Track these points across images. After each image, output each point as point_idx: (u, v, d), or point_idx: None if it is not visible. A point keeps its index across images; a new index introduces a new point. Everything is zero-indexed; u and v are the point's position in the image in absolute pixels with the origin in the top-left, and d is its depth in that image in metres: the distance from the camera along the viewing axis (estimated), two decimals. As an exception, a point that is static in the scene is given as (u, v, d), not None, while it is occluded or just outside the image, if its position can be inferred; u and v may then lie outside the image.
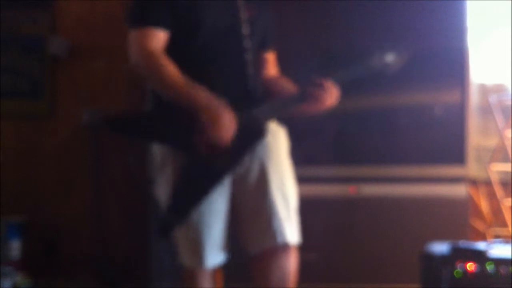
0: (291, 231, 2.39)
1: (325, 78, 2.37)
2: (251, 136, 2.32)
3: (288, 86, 2.49)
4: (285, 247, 2.39)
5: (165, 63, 2.26)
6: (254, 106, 2.33)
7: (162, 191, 2.39)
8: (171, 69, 2.25)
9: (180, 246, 2.41)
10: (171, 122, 2.31)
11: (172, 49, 2.33)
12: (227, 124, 2.20)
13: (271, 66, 2.58)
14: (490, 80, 3.91)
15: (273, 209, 2.37)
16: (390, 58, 2.48)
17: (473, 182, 3.72)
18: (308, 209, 2.57)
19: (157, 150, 2.39)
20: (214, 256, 2.39)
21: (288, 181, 2.44)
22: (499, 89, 3.87)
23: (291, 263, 2.42)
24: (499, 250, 2.86)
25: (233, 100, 2.28)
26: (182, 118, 2.27)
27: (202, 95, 2.22)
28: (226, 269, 2.51)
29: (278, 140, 2.46)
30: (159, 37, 2.30)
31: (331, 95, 2.37)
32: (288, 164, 2.47)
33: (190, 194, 2.31)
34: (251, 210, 2.39)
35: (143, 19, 2.31)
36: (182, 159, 2.31)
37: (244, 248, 2.42)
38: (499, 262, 2.78)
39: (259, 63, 2.51)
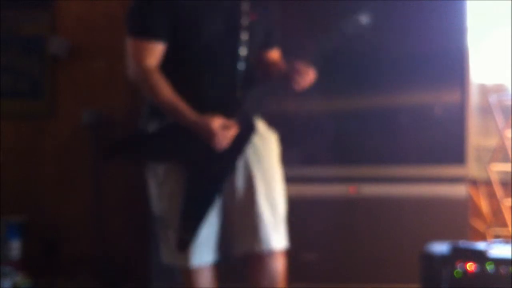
0: (277, 237, 2.42)
1: (301, 61, 2.39)
2: (242, 134, 2.34)
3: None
4: (270, 252, 2.41)
5: (158, 82, 2.32)
6: (243, 102, 2.36)
7: (163, 204, 2.41)
8: (164, 88, 2.31)
9: (165, 245, 2.42)
10: (167, 141, 2.34)
11: (169, 53, 2.35)
12: (223, 137, 2.27)
13: (276, 61, 2.60)
14: (490, 80, 3.91)
15: (259, 216, 2.39)
16: (363, 19, 2.50)
17: (473, 182, 3.72)
18: (308, 209, 2.57)
19: (156, 168, 2.41)
20: (201, 255, 2.39)
21: (277, 187, 2.46)
22: (499, 89, 3.87)
23: (278, 267, 2.45)
24: (499, 250, 2.86)
25: (220, 104, 2.32)
26: (178, 135, 2.31)
27: (192, 114, 2.29)
28: (221, 269, 2.51)
29: (267, 146, 2.47)
30: (156, 51, 2.34)
31: (308, 76, 2.40)
32: (278, 169, 2.49)
33: (199, 208, 2.33)
34: (239, 217, 2.42)
35: (142, 31, 2.34)
36: (181, 174, 2.34)
37: (231, 250, 2.44)
38: (499, 262, 2.78)
39: (262, 63, 2.52)
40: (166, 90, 2.31)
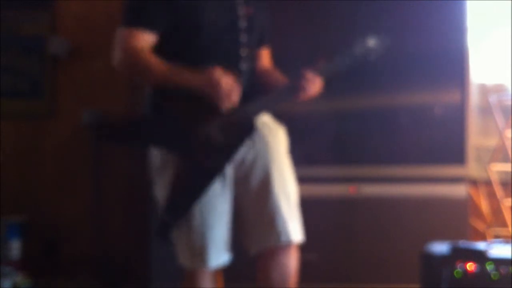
0: (294, 229, 2.41)
1: (309, 70, 2.38)
2: (240, 132, 2.33)
3: (281, 78, 2.52)
4: (286, 245, 2.40)
5: (147, 56, 2.30)
6: (244, 102, 2.34)
7: (161, 193, 2.40)
8: (154, 59, 2.29)
9: (181, 248, 2.41)
10: (164, 126, 2.32)
11: (168, 48, 2.34)
12: (228, 84, 2.24)
13: (266, 60, 2.61)
14: (490, 80, 3.91)
15: (276, 209, 2.38)
16: (372, 42, 2.49)
17: (473, 182, 3.72)
18: (308, 209, 2.57)
19: (157, 153, 2.40)
20: (218, 256, 2.39)
21: (289, 179, 2.46)
22: (499, 89, 3.87)
23: (293, 261, 2.43)
24: (499, 250, 2.86)
25: None
26: (175, 121, 2.29)
27: (191, 72, 2.27)
28: (226, 269, 2.51)
29: (278, 140, 2.47)
30: (145, 38, 2.32)
31: (315, 85, 2.39)
32: (288, 162, 2.49)
33: (186, 196, 2.32)
34: (255, 211, 2.40)
35: (132, 20, 2.34)
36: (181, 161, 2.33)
37: (245, 248, 2.43)
38: (499, 262, 2.78)
39: (255, 59, 2.52)
40: (156, 61, 2.29)
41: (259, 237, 2.40)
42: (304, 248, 2.49)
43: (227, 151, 2.33)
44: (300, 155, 2.65)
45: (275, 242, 2.38)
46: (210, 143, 2.29)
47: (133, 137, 2.41)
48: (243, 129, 2.34)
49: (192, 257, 2.38)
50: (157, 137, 2.34)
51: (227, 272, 2.56)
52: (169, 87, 2.29)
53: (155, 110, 2.37)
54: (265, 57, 2.60)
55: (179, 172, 2.31)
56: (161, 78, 2.30)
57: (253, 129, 2.38)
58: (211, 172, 2.33)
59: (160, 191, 2.41)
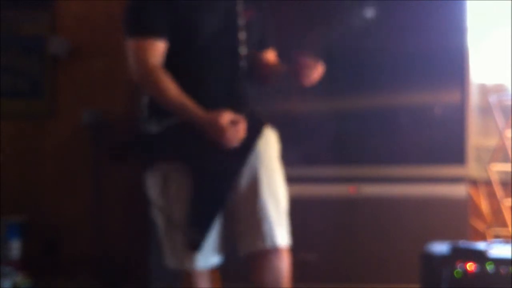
0: (281, 234, 2.39)
1: (303, 54, 2.36)
2: (251, 131, 2.32)
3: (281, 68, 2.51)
4: (275, 249, 2.38)
5: (165, 80, 2.29)
6: (245, 101, 2.34)
7: (173, 206, 2.39)
8: (171, 87, 2.29)
9: (168, 249, 2.41)
10: (174, 140, 2.33)
11: (168, 53, 2.34)
12: (231, 130, 2.25)
13: (272, 61, 2.60)
14: (490, 80, 3.91)
15: (264, 213, 2.36)
16: (359, 8, 2.49)
17: (473, 182, 3.72)
18: (308, 209, 2.57)
19: (160, 170, 2.39)
20: (207, 257, 2.38)
21: (279, 184, 2.44)
22: (499, 89, 3.87)
23: (283, 265, 2.41)
24: (499, 250, 2.86)
25: (223, 103, 2.31)
26: (184, 134, 2.30)
27: (198, 111, 2.27)
28: (224, 269, 2.51)
29: (269, 144, 2.46)
30: (158, 49, 2.31)
31: (317, 69, 2.37)
32: (279, 167, 2.47)
33: (208, 208, 2.32)
34: (243, 213, 2.39)
35: (142, 29, 2.32)
36: (187, 174, 2.32)
37: (236, 249, 2.43)
38: (499, 262, 2.78)
39: (257, 63, 2.51)
40: (172, 88, 2.29)
41: (246, 240, 2.39)
42: (304, 248, 2.49)
43: (243, 151, 2.32)
44: (300, 155, 2.65)
45: (261, 246, 2.36)
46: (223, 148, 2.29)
47: (145, 154, 2.41)
48: (253, 128, 2.33)
49: (181, 257, 2.38)
50: (168, 150, 2.34)
51: (225, 272, 2.56)
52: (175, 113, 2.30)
53: (154, 113, 2.37)
54: (270, 59, 2.59)
55: (196, 186, 2.31)
56: (172, 108, 2.31)
57: (263, 124, 2.37)
58: (229, 176, 2.33)
59: (167, 204, 2.39)
